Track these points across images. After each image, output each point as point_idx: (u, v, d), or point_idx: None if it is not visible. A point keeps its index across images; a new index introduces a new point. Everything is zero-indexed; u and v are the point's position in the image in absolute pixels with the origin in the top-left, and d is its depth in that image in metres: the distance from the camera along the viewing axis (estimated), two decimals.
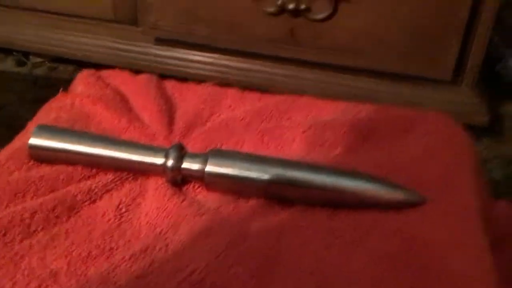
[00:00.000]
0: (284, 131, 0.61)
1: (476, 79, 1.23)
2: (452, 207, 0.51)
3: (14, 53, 1.50)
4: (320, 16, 1.19)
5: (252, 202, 0.53)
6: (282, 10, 1.21)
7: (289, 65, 1.30)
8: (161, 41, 1.35)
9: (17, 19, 1.44)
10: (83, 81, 0.69)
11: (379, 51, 1.22)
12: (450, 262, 0.46)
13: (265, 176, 0.52)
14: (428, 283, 0.45)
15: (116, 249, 0.48)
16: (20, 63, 1.50)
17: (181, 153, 0.54)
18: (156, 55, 1.37)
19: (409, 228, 0.49)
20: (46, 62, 1.50)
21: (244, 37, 1.27)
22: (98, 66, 1.41)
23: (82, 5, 1.37)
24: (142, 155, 0.55)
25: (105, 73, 0.71)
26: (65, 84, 0.70)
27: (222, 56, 1.33)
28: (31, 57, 1.50)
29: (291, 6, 1.19)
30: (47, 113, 0.64)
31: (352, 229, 0.50)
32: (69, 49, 1.43)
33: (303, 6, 1.19)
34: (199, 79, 1.31)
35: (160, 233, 0.49)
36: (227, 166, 0.53)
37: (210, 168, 0.53)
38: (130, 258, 0.46)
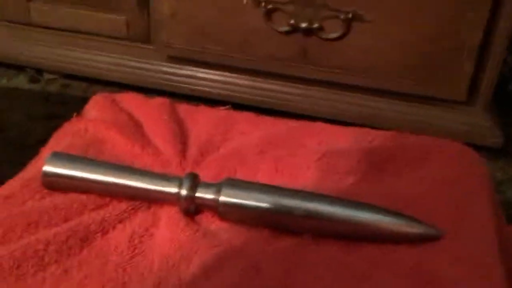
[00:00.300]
0: (298, 159, 0.61)
1: (490, 101, 1.22)
2: (470, 240, 0.51)
3: (27, 69, 1.51)
4: (333, 35, 1.19)
5: (266, 233, 0.53)
6: (294, 29, 1.21)
7: (301, 84, 1.30)
8: (173, 59, 1.36)
9: (30, 36, 1.45)
10: (97, 105, 0.69)
11: (391, 71, 1.22)
12: None
13: (279, 207, 0.52)
14: None
15: (130, 283, 0.47)
16: (33, 80, 1.51)
17: (195, 182, 0.54)
18: (168, 73, 1.38)
19: (425, 263, 0.49)
20: (59, 79, 1.51)
21: (255, 56, 1.27)
22: (110, 83, 1.43)
23: (95, 23, 1.38)
24: (156, 184, 0.54)
25: (119, 96, 0.71)
26: (78, 101, 0.70)
27: (234, 75, 1.33)
28: (44, 74, 1.51)
29: (303, 25, 1.19)
30: (60, 139, 0.64)
31: (366, 263, 0.49)
32: (82, 66, 1.43)
33: (316, 25, 1.19)
34: (211, 97, 1.32)
35: (173, 265, 0.49)
36: (241, 197, 0.53)
37: (224, 198, 0.53)
38: None
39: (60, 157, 0.56)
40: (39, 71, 1.51)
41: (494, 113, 1.25)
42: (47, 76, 1.51)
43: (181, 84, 1.36)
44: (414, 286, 0.47)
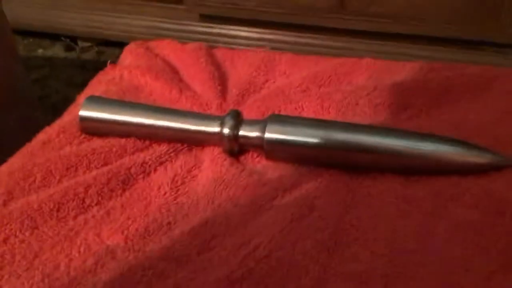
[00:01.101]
0: (345, 95, 0.56)
1: None
2: None
3: (62, 38, 1.50)
4: None
5: (317, 170, 0.49)
6: None
7: (340, 36, 1.24)
8: (206, 18, 1.32)
9: (63, 4, 1.44)
10: (131, 53, 0.66)
11: (437, 16, 1.14)
12: None
13: (331, 142, 0.48)
14: None
15: (174, 223, 0.44)
16: (69, 48, 1.51)
17: (238, 120, 0.51)
18: (201, 33, 1.34)
19: (495, 193, 0.44)
20: (94, 46, 1.50)
21: (291, 9, 1.22)
22: None
23: None
24: (197, 124, 0.51)
25: (153, 43, 0.68)
26: None
27: (269, 30, 1.29)
28: (79, 42, 1.50)
29: None
30: (96, 87, 0.61)
31: (431, 196, 0.45)
32: (115, 31, 1.41)
33: None
34: None
35: (219, 205, 0.46)
36: (288, 132, 0.49)
37: (269, 134, 0.49)
38: (189, 233, 0.43)
39: (96, 101, 0.54)
40: (74, 39, 1.50)
41: None
42: (81, 44, 1.50)
43: (215, 44, 1.32)
44: (486, 218, 0.42)
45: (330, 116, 0.56)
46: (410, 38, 1.19)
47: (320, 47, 1.28)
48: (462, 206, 0.43)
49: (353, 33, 1.23)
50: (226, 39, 1.33)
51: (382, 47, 1.23)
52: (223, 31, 1.33)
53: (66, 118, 0.56)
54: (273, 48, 1.27)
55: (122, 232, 0.43)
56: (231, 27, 1.32)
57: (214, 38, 1.34)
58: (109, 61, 0.64)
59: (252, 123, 0.51)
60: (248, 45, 1.30)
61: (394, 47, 1.22)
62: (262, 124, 0.50)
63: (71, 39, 1.50)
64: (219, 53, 0.68)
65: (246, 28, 1.31)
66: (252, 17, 1.27)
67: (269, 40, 1.30)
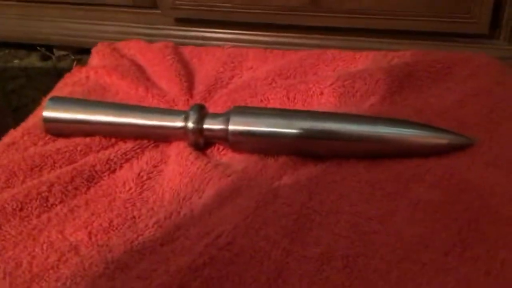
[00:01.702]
0: (310, 85, 0.57)
1: None
2: (504, 147, 0.46)
3: (38, 47, 1.50)
4: None
5: (281, 159, 0.49)
6: None
7: (314, 34, 1.25)
8: (181, 21, 1.32)
9: (37, 13, 1.43)
10: (98, 54, 0.66)
11: (408, 10, 1.15)
12: (505, 206, 0.41)
13: (294, 130, 0.48)
14: (480, 230, 0.40)
15: (139, 217, 0.44)
16: (45, 58, 1.50)
17: (202, 114, 0.51)
18: (177, 36, 1.34)
19: (456, 172, 0.44)
20: (70, 54, 1.49)
21: (265, 9, 1.22)
22: None
23: None
24: (161, 119, 0.51)
25: (120, 44, 0.68)
26: None
27: (244, 31, 1.29)
28: (54, 50, 1.49)
29: None
30: (62, 89, 0.61)
31: (393, 179, 0.45)
32: (91, 38, 1.40)
33: None
34: None
35: (184, 198, 0.46)
36: (251, 123, 0.49)
37: (233, 126, 0.49)
38: (153, 226, 0.43)
39: (59, 101, 0.54)
40: (50, 48, 1.49)
41: None
42: (58, 52, 1.50)
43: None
44: (447, 196, 0.42)
45: (296, 106, 0.56)
46: (384, 32, 1.20)
47: (295, 46, 1.28)
48: (424, 187, 0.44)
49: (327, 30, 1.23)
50: (201, 42, 1.33)
51: (356, 43, 1.24)
52: (198, 34, 1.34)
53: (31, 120, 0.56)
54: None
55: (86, 228, 0.43)
56: (206, 29, 1.33)
57: (190, 41, 1.34)
58: (75, 63, 0.64)
59: (216, 116, 0.51)
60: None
61: (368, 42, 1.23)
62: (225, 116, 0.50)
63: (47, 48, 1.49)
64: (186, 51, 0.68)
65: (221, 30, 1.31)
66: (226, 18, 1.27)
67: (245, 41, 1.30)
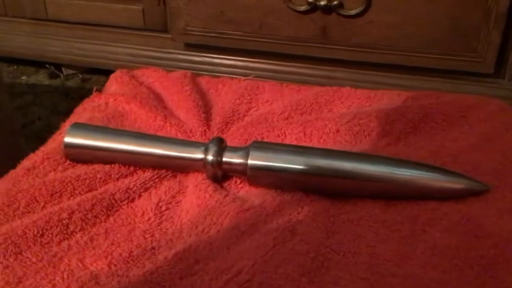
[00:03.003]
0: (327, 122, 0.58)
1: None
2: None
3: (46, 65, 1.51)
4: (353, 12, 1.16)
5: (298, 196, 0.50)
6: (313, 7, 1.18)
7: (322, 65, 1.27)
8: (190, 47, 1.34)
9: (48, 32, 1.45)
10: (116, 81, 0.67)
11: (416, 46, 1.18)
12: None
13: (311, 168, 0.49)
14: (497, 278, 0.40)
15: (158, 248, 0.45)
16: (53, 76, 1.51)
17: (221, 147, 0.52)
18: (186, 61, 1.36)
19: (472, 218, 0.45)
20: (79, 74, 1.51)
21: (274, 38, 1.25)
22: None
23: (111, 15, 1.37)
24: (181, 150, 0.52)
25: (138, 72, 0.69)
26: None
27: (253, 59, 1.31)
28: (63, 69, 1.51)
29: (322, 2, 1.16)
30: (81, 114, 0.62)
31: (409, 221, 0.46)
32: (101, 59, 1.43)
33: (335, 2, 1.15)
34: None
35: (203, 231, 0.46)
36: (270, 159, 0.50)
37: (252, 161, 0.50)
38: (173, 258, 0.43)
39: (81, 127, 0.54)
40: (58, 66, 1.51)
41: None
42: (66, 71, 1.51)
43: (200, 72, 1.34)
44: (463, 242, 0.43)
45: (312, 143, 0.57)
46: (390, 67, 1.22)
47: (303, 76, 1.30)
48: (440, 231, 0.44)
49: (335, 62, 1.26)
50: (210, 67, 1.35)
51: (363, 76, 1.26)
52: (207, 60, 1.35)
53: (50, 145, 0.57)
54: (257, 77, 1.30)
55: (106, 258, 0.43)
56: (216, 55, 1.35)
57: (199, 66, 1.36)
58: (95, 88, 0.65)
59: (235, 150, 0.52)
60: (232, 74, 1.32)
61: (374, 76, 1.25)
62: (244, 150, 0.51)
63: (55, 67, 1.50)
64: (203, 81, 0.69)
65: (230, 57, 1.33)
66: (236, 46, 1.29)
67: (253, 69, 1.32)
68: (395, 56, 1.19)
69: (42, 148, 0.56)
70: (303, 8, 1.18)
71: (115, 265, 0.43)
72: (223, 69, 1.34)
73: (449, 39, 1.15)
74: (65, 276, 0.42)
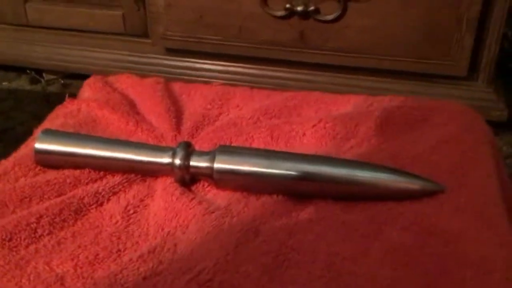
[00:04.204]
0: (293, 126, 0.60)
1: (492, 74, 1.20)
2: (471, 195, 0.49)
3: (27, 71, 1.51)
4: (330, 17, 1.18)
5: (263, 198, 0.51)
6: (290, 13, 1.20)
7: (300, 69, 1.29)
8: (171, 51, 1.35)
9: (28, 38, 1.45)
10: (90, 87, 0.68)
11: (391, 50, 1.20)
12: (470, 252, 0.44)
13: (275, 170, 0.51)
14: (447, 274, 0.42)
15: (124, 250, 0.46)
16: (34, 81, 1.51)
17: (189, 151, 0.53)
18: (167, 65, 1.37)
19: (426, 218, 0.47)
20: (59, 79, 1.51)
21: (253, 43, 1.26)
22: None
23: (92, 20, 1.38)
24: (149, 155, 0.53)
25: (112, 78, 0.71)
26: None
27: (232, 63, 1.32)
28: (44, 74, 1.51)
29: (299, 8, 1.18)
30: (53, 120, 0.63)
31: (367, 221, 0.48)
32: (82, 64, 1.43)
33: (311, 8, 1.18)
34: None
35: (168, 233, 0.48)
36: (236, 162, 0.52)
37: (218, 164, 0.52)
38: (137, 259, 0.45)
39: (51, 134, 0.56)
40: (39, 72, 1.51)
41: (497, 87, 1.23)
42: (47, 76, 1.51)
43: (180, 76, 1.35)
44: (418, 240, 0.45)
45: (279, 146, 0.59)
46: (366, 70, 1.25)
47: (282, 79, 1.32)
48: (396, 229, 0.46)
49: (313, 66, 1.28)
50: (191, 72, 1.36)
51: (340, 80, 1.28)
52: (188, 64, 1.37)
53: (22, 151, 0.58)
54: (236, 81, 1.31)
55: (72, 260, 0.44)
56: (196, 60, 1.36)
57: (179, 71, 1.37)
58: (67, 95, 0.67)
59: (202, 154, 0.53)
60: (212, 78, 1.34)
61: (351, 79, 1.27)
62: (211, 154, 0.52)
63: (36, 72, 1.50)
64: (176, 87, 0.71)
65: (210, 61, 1.35)
66: (216, 51, 1.31)
67: (233, 73, 1.34)
68: (371, 59, 1.21)
69: (14, 154, 0.57)
70: (280, 13, 1.20)
71: (81, 267, 0.44)
72: (203, 73, 1.35)
73: (423, 43, 1.17)
74: (32, 279, 0.43)
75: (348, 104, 0.64)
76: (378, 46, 1.20)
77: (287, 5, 1.18)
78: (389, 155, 0.54)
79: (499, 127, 1.22)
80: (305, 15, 1.19)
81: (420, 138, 0.56)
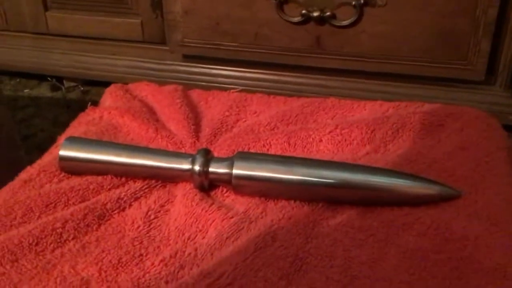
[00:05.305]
0: (310, 132, 0.61)
1: (510, 78, 1.20)
2: (488, 198, 0.49)
3: (48, 78, 1.54)
4: (346, 22, 1.19)
5: (281, 203, 0.52)
6: (306, 19, 1.20)
7: (317, 74, 1.29)
8: (188, 58, 1.37)
9: (49, 46, 1.48)
10: (111, 95, 0.70)
11: (407, 55, 1.20)
12: (486, 256, 0.44)
13: (293, 176, 0.52)
14: (463, 279, 0.43)
15: (146, 255, 0.47)
16: (55, 88, 1.55)
17: (208, 158, 0.54)
18: (184, 72, 1.39)
19: (443, 223, 0.48)
20: (80, 86, 1.54)
21: (270, 49, 1.27)
22: None
23: (111, 28, 1.40)
24: (169, 161, 0.55)
25: (132, 86, 0.72)
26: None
27: (249, 69, 1.34)
28: (64, 81, 1.54)
29: (315, 14, 1.19)
30: (76, 128, 0.65)
31: (384, 226, 0.48)
32: (101, 71, 1.46)
33: (328, 13, 1.18)
34: None
35: (189, 238, 0.49)
36: (254, 168, 0.53)
37: (237, 170, 0.53)
38: (159, 264, 0.46)
39: (75, 141, 0.57)
40: (60, 79, 1.54)
41: None
42: (67, 84, 1.54)
43: (197, 82, 1.37)
44: (434, 245, 0.46)
45: (296, 152, 0.60)
46: (383, 75, 1.25)
47: (298, 85, 1.33)
48: (412, 235, 0.47)
49: (329, 71, 1.28)
50: (208, 78, 1.38)
51: (356, 85, 1.29)
52: (205, 71, 1.38)
53: (46, 158, 0.60)
54: (253, 87, 1.32)
55: (97, 264, 0.46)
56: (213, 66, 1.37)
57: (197, 77, 1.39)
58: (89, 103, 0.68)
59: (221, 160, 0.54)
60: (229, 84, 1.35)
61: (368, 84, 1.27)
62: (230, 161, 0.54)
63: (57, 79, 1.54)
64: (194, 94, 0.72)
65: (227, 67, 1.36)
66: (232, 57, 1.32)
67: (250, 79, 1.35)
68: (387, 64, 1.22)
69: (38, 161, 0.59)
70: (296, 19, 1.21)
71: (105, 271, 0.45)
72: (220, 79, 1.37)
73: (439, 48, 1.17)
74: (58, 282, 0.44)
75: (364, 110, 0.65)
76: (394, 51, 1.20)
77: (303, 11, 1.19)
78: (405, 161, 0.55)
79: None
80: (321, 20, 1.20)
81: (436, 144, 0.57)
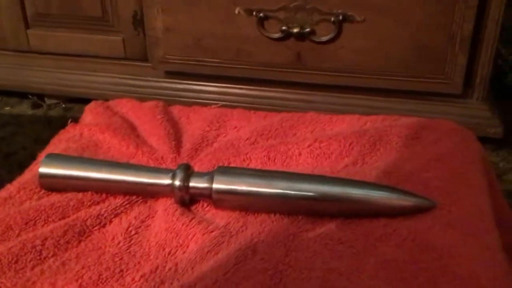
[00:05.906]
0: (289, 146, 0.61)
1: (487, 91, 1.23)
2: (463, 210, 0.51)
3: (29, 96, 1.54)
4: (325, 38, 1.21)
5: (261, 217, 0.53)
6: (287, 35, 1.22)
7: (298, 89, 1.31)
8: (170, 74, 1.38)
9: (30, 63, 1.48)
10: (91, 112, 0.70)
11: (386, 70, 1.23)
12: (461, 265, 0.45)
13: (273, 190, 0.52)
14: None
15: (126, 270, 0.48)
16: (36, 106, 1.54)
17: (188, 173, 0.55)
18: (167, 88, 1.40)
19: (420, 234, 0.49)
20: (61, 103, 1.53)
21: (251, 65, 1.29)
22: None
23: (93, 46, 1.41)
24: (150, 177, 0.55)
25: (113, 102, 0.73)
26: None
27: (231, 85, 1.35)
28: (46, 99, 1.54)
29: (295, 30, 1.21)
30: (56, 145, 0.65)
31: (362, 238, 0.49)
32: (83, 88, 1.46)
33: (307, 29, 1.20)
34: None
35: (169, 253, 0.49)
36: (234, 182, 0.53)
37: (217, 185, 0.53)
38: (140, 279, 0.46)
39: (55, 158, 0.57)
40: (41, 96, 1.53)
41: (492, 104, 1.26)
42: (49, 101, 1.54)
43: (179, 98, 1.38)
44: (410, 256, 0.46)
45: (276, 166, 0.60)
46: (362, 90, 1.27)
47: (279, 100, 1.34)
48: (390, 246, 0.48)
49: (310, 86, 1.30)
50: (190, 94, 1.39)
51: (337, 99, 1.31)
52: (187, 87, 1.39)
53: (26, 175, 0.59)
54: (235, 102, 1.33)
55: (77, 281, 0.46)
56: (195, 82, 1.38)
57: (179, 93, 1.40)
58: (70, 120, 0.68)
59: (201, 175, 0.55)
60: (212, 100, 1.36)
61: (347, 99, 1.29)
62: (210, 175, 0.54)
63: (38, 97, 1.53)
64: (175, 110, 0.73)
65: (209, 84, 1.37)
66: (214, 73, 1.33)
67: (232, 94, 1.36)
68: (366, 79, 1.24)
69: (18, 179, 0.59)
70: (277, 35, 1.23)
71: None
72: (202, 95, 1.38)
73: (417, 62, 1.20)
74: None
75: (342, 123, 0.66)
76: (373, 65, 1.22)
77: (283, 27, 1.21)
78: (382, 173, 0.56)
79: (496, 143, 1.24)
80: (301, 36, 1.22)
81: (413, 156, 0.58)
